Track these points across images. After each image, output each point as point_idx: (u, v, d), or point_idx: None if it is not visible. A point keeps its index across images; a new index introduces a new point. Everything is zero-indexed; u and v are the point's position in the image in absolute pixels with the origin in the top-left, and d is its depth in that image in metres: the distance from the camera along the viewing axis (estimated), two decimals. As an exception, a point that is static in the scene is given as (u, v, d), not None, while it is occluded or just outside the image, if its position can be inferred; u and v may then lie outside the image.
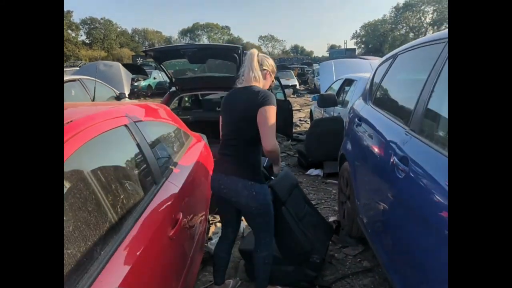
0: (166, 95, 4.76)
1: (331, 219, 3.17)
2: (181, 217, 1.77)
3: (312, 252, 2.27)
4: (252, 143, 1.94)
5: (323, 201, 3.88)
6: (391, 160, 1.76)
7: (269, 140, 1.83)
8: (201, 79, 4.83)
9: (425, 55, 1.93)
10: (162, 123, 2.41)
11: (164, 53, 4.24)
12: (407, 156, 1.60)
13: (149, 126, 2.12)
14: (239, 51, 3.98)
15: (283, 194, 2.24)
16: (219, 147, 2.09)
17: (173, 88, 4.78)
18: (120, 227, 1.29)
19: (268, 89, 2.05)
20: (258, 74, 1.98)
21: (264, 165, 2.12)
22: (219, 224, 3.22)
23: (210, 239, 2.90)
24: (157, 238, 1.50)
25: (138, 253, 1.30)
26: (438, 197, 1.31)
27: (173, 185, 1.91)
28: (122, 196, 1.42)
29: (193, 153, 2.61)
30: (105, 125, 1.50)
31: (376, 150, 2.11)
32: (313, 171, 4.85)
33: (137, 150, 1.74)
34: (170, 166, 2.07)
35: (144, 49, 4.11)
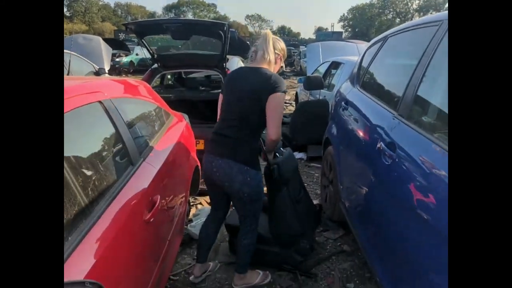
0: (148, 72, 4.58)
1: (313, 202, 3.15)
2: (158, 200, 1.69)
3: (303, 237, 2.25)
4: (255, 127, 1.87)
5: (305, 184, 3.85)
6: (378, 145, 1.71)
7: (277, 128, 1.80)
8: (185, 56, 4.65)
9: (417, 38, 1.87)
10: (141, 100, 2.29)
11: (146, 27, 4.04)
12: (395, 142, 1.55)
13: (127, 103, 2.00)
14: (225, 28, 3.83)
15: (287, 173, 2.20)
16: (215, 126, 1.98)
17: (155, 65, 4.60)
18: (90, 210, 1.21)
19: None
20: (271, 57, 1.89)
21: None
22: (200, 206, 3.16)
23: (191, 221, 2.84)
24: (132, 222, 1.42)
25: (110, 238, 1.23)
26: (425, 185, 1.27)
27: (151, 166, 1.82)
28: (94, 178, 1.32)
29: (174, 133, 2.51)
30: (78, 100, 1.39)
31: (362, 134, 2.06)
32: (296, 154, 4.81)
33: (112, 129, 1.63)
34: (149, 146, 1.97)
35: (124, 23, 3.89)
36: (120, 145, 1.64)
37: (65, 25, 35.98)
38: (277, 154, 2.18)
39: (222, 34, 3.93)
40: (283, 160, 2.18)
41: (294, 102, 8.63)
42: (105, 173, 1.43)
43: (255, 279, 2.16)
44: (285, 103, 9.23)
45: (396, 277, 1.49)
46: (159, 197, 1.71)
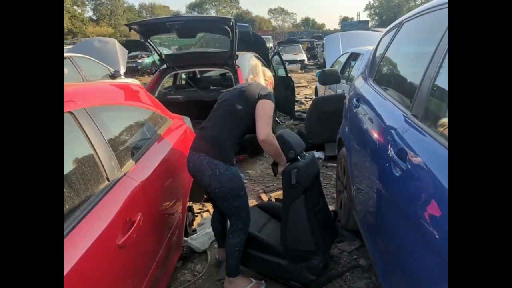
0: (157, 73, 4.46)
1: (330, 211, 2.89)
2: (139, 219, 1.51)
3: (316, 254, 2.01)
4: (235, 128, 1.92)
5: (322, 187, 3.59)
6: (388, 152, 1.45)
7: (264, 129, 1.85)
8: (193, 55, 4.49)
9: (434, 22, 1.58)
10: (130, 107, 2.13)
11: (149, 27, 3.89)
12: (405, 149, 1.29)
13: (109, 111, 1.84)
14: (231, 23, 3.61)
15: (307, 180, 2.00)
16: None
17: (164, 66, 4.46)
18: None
19: None
20: (262, 82, 2.14)
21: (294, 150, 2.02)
22: (205, 214, 2.98)
23: (194, 231, 2.67)
24: (98, 249, 1.24)
25: (65, 272, 1.06)
26: (439, 205, 1.01)
27: (132, 180, 1.64)
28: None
29: (170, 138, 2.33)
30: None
31: (373, 137, 1.79)
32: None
33: (84, 142, 1.47)
34: (134, 158, 1.80)
35: (127, 23, 3.76)
36: (93, 161, 1.47)
37: (92, 29, 37.04)
38: (298, 157, 2.03)
39: (229, 30, 3.72)
40: (304, 165, 1.98)
41: (315, 97, 8.30)
42: (69, 194, 1.26)
43: (246, 287, 2.02)
44: (306, 98, 8.94)
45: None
46: (140, 215, 1.54)
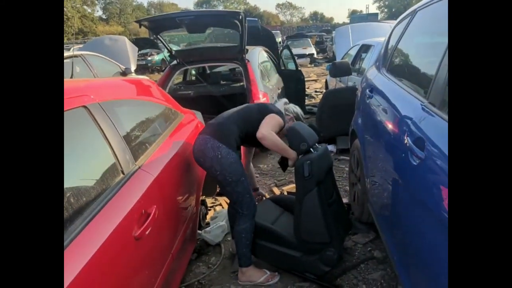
0: (167, 69, 4.47)
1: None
2: (154, 211, 1.52)
3: (330, 245, 2.00)
4: (243, 122, 2.04)
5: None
6: (405, 141, 1.43)
7: (264, 129, 1.96)
8: (203, 50, 4.49)
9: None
10: (144, 101, 2.14)
11: (159, 23, 3.89)
12: (423, 138, 1.27)
13: (123, 106, 1.86)
14: (240, 17, 3.59)
15: (320, 172, 2.00)
16: None
17: (175, 62, 4.47)
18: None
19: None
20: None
21: (308, 143, 2.01)
22: (218, 208, 2.99)
23: (208, 224, 2.68)
24: (117, 240, 1.26)
25: (83, 264, 1.07)
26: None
27: (147, 173, 1.65)
28: (68, 194, 1.17)
29: (182, 133, 2.34)
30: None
31: (387, 127, 1.77)
32: (325, 147, 4.51)
33: (99, 136, 1.48)
34: (148, 152, 1.81)
35: (136, 20, 3.77)
36: (108, 154, 1.48)
37: (102, 28, 37.35)
38: (311, 149, 2.02)
39: (239, 24, 3.70)
40: (316, 157, 1.97)
41: (325, 90, 8.23)
42: (85, 187, 1.28)
43: (259, 278, 2.04)
44: (316, 91, 8.90)
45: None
46: (155, 207, 1.55)
